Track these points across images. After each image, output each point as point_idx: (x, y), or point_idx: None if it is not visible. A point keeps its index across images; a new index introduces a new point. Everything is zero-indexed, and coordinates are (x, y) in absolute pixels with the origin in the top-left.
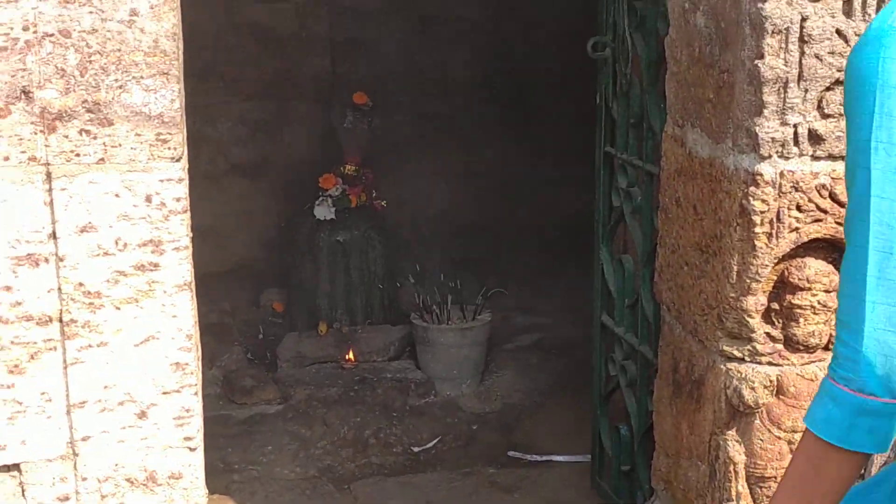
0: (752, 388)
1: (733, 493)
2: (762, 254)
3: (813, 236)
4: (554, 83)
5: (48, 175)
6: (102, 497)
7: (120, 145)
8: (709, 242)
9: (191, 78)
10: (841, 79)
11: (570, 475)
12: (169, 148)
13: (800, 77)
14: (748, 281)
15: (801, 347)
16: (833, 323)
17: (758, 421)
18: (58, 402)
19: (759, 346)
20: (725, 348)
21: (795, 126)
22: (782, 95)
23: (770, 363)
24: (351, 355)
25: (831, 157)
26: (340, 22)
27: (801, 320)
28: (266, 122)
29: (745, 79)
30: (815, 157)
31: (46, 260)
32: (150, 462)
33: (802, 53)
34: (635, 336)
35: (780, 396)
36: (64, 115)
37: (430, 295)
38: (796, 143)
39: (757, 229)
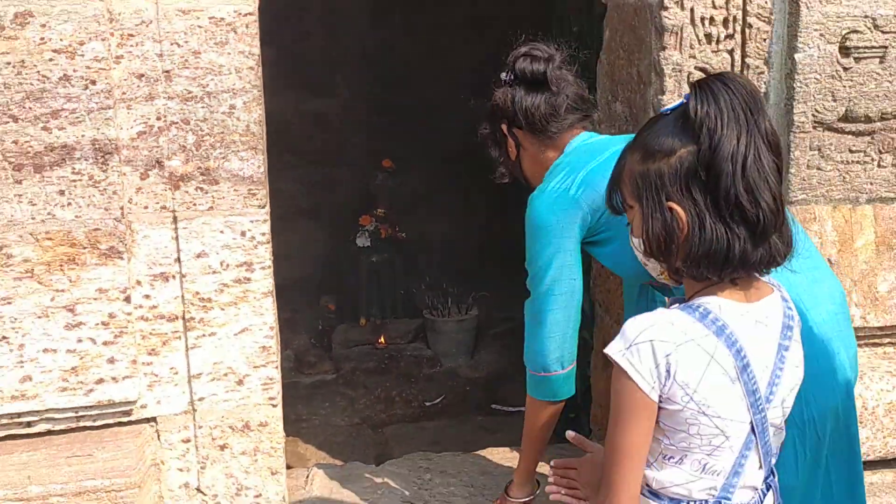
0: None
1: None
2: None
3: None
4: None
5: (174, 218)
6: (213, 440)
7: (223, 197)
8: None
9: (270, 150)
10: None
11: None
12: (257, 199)
13: None
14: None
15: None
16: None
17: None
18: (182, 374)
19: None
20: None
21: None
22: None
23: None
24: (382, 339)
25: None
26: (373, 110)
27: None
28: (321, 180)
29: None
30: None
31: (174, 277)
32: (245, 415)
33: None
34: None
35: None
36: (185, 177)
37: (436, 297)
38: None
39: None
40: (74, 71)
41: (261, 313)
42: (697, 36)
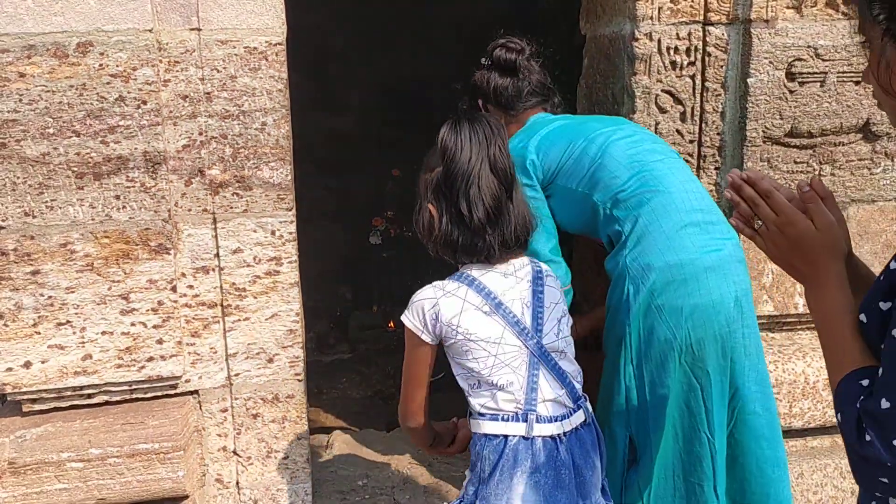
0: None
1: None
2: None
3: None
4: None
5: (214, 219)
6: (247, 410)
7: (256, 202)
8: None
9: (296, 161)
10: None
11: None
12: (285, 203)
13: None
14: None
15: None
16: None
17: None
18: (220, 353)
19: None
20: None
21: None
22: None
23: None
24: (391, 324)
25: None
26: (384, 126)
27: None
28: (340, 187)
29: None
30: None
31: (213, 269)
32: (275, 388)
33: None
34: None
35: None
36: (223, 184)
37: None
38: None
39: None
40: (128, 93)
41: (288, 301)
42: (664, 63)
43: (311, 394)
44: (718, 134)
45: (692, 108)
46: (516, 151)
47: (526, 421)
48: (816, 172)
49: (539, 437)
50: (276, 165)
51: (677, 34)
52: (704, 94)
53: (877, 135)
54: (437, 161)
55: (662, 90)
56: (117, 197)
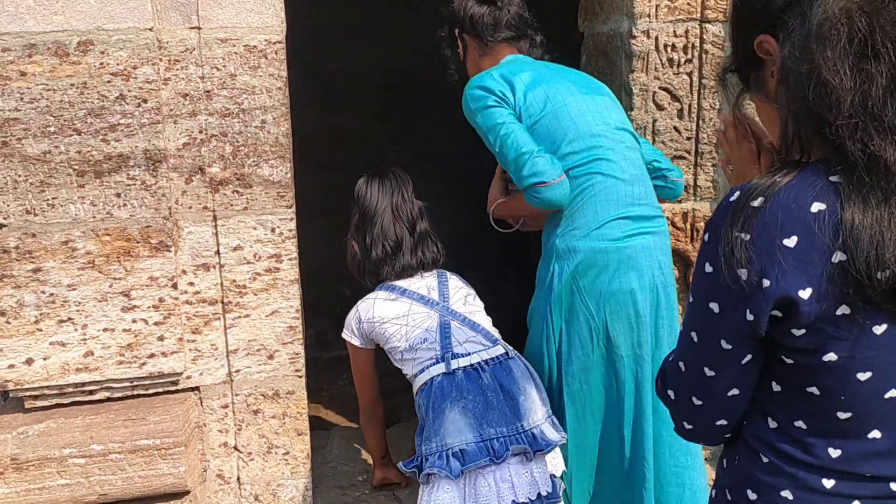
0: None
1: None
2: None
3: None
4: None
5: (214, 217)
6: (248, 406)
7: (256, 199)
8: None
9: (296, 159)
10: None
11: None
12: (285, 200)
13: None
14: None
15: None
16: None
17: None
18: (221, 350)
19: None
20: None
21: None
22: None
23: None
24: None
25: None
26: (384, 125)
27: None
28: (337, 185)
29: None
30: None
31: (214, 266)
32: (275, 385)
33: None
34: None
35: None
36: (223, 182)
37: None
38: None
39: None
40: (129, 91)
41: (288, 298)
42: (661, 60)
43: (311, 390)
44: (715, 131)
45: (689, 105)
46: (487, 75)
47: (444, 361)
48: None
49: (459, 368)
50: (276, 163)
51: (675, 31)
52: (702, 91)
53: None
54: (356, 207)
55: (660, 87)
56: (118, 195)
